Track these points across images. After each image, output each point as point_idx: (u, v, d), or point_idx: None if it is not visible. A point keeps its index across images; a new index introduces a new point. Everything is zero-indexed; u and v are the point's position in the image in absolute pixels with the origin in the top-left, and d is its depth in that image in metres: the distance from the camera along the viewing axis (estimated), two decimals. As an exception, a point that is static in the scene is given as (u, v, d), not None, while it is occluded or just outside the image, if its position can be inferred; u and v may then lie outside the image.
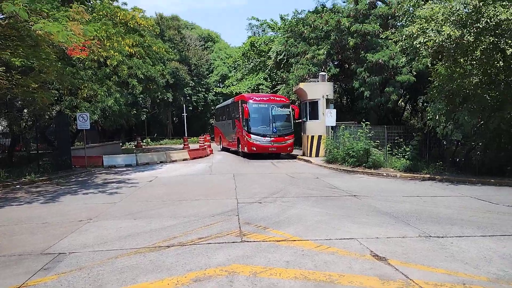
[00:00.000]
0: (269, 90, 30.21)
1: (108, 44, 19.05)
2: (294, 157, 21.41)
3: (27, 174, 14.04)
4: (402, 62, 19.38)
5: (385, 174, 14.15)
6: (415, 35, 11.60)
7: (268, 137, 20.13)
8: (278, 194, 10.33)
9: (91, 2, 20.80)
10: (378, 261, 5.23)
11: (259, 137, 20.12)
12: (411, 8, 13.23)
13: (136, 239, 6.29)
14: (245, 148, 20.80)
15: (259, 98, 21.09)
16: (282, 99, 21.49)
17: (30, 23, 11.26)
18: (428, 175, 13.24)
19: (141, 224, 7.32)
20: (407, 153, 14.71)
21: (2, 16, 11.51)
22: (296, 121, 21.49)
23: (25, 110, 18.14)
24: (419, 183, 12.49)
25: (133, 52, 22.95)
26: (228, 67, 49.06)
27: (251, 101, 20.70)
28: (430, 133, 14.29)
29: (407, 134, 15.66)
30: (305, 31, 23.23)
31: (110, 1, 25.65)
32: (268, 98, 21.35)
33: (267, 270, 4.88)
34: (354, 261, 5.20)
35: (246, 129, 20.52)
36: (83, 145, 19.89)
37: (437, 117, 12.54)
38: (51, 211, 8.67)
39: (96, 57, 17.51)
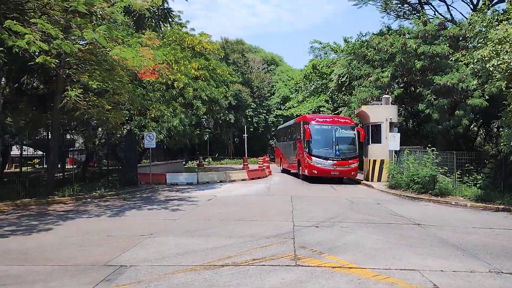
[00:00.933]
0: (330, 112, 29.88)
1: (175, 68, 20.17)
2: (357, 182, 20.78)
3: (97, 189, 15.02)
4: (473, 85, 18.27)
5: (453, 203, 13.24)
6: (487, 58, 10.94)
7: (330, 160, 19.21)
8: (336, 219, 10.06)
9: (162, 29, 22.20)
10: (442, 296, 4.87)
11: (321, 159, 19.29)
12: (483, 29, 12.55)
13: (192, 256, 6.43)
14: (306, 170, 20.04)
15: (322, 119, 20.39)
16: (346, 120, 20.64)
17: (107, 49, 12.25)
18: (503, 206, 12.16)
19: (198, 242, 7.48)
20: (479, 182, 13.67)
21: (83, 43, 12.64)
22: (362, 144, 20.87)
23: (99, 129, 19.56)
24: (492, 213, 11.52)
25: (199, 75, 24.04)
26: (289, 89, 49.41)
27: (313, 122, 19.97)
28: (505, 160, 13.21)
29: (479, 161, 14.61)
30: (369, 53, 22.82)
31: (179, 28, 27.28)
32: (331, 119, 20.66)
33: (321, 297, 4.73)
34: (415, 295, 4.88)
35: (307, 151, 19.79)
36: (149, 162, 20.93)
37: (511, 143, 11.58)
38: (116, 225, 9.17)
39: (164, 80, 18.57)
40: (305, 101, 33.15)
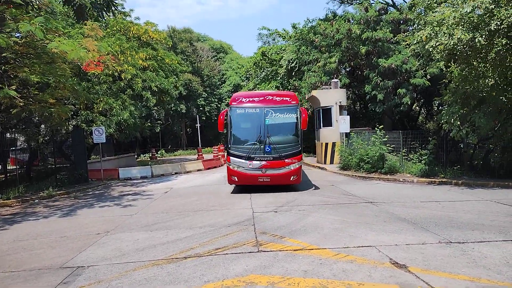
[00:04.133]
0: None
1: (122, 59, 19.41)
2: (311, 165, 21.24)
3: (45, 189, 14.27)
4: (415, 66, 19.22)
5: (401, 180, 13.96)
6: (425, 40, 11.52)
7: (257, 160, 12.18)
8: (293, 202, 10.28)
9: (105, 19, 21.21)
10: (398, 268, 5.15)
11: (242, 160, 12.28)
12: (423, 12, 13.15)
13: (153, 251, 6.32)
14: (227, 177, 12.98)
15: (247, 99, 12.96)
16: (285, 98, 12.94)
17: (46, 41, 11.55)
18: (446, 179, 13.01)
19: (158, 235, 7.35)
20: (424, 158, 14.51)
21: (18, 35, 11.83)
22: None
23: (42, 126, 18.50)
24: (436, 187, 12.28)
25: (147, 65, 23.32)
26: (240, 77, 49.38)
27: (234, 103, 12.87)
28: (446, 136, 14.09)
29: (423, 139, 15.45)
30: (317, 39, 23.27)
31: (123, 17, 26.22)
32: (262, 97, 12.95)
33: (285, 280, 4.84)
34: (373, 269, 5.13)
35: (226, 148, 13.39)
36: (99, 158, 20.15)
37: (452, 120, 12.36)
38: (69, 225, 8.79)
39: (110, 72, 17.82)
40: (256, 88, 33.26)
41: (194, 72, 46.61)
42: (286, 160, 12.27)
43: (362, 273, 5.01)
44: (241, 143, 12.62)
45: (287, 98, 12.93)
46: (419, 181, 13.47)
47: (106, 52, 15.16)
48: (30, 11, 12.50)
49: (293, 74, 27.19)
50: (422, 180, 13.47)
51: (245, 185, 12.94)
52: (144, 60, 22.72)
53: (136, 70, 21.11)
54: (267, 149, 12.20)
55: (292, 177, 12.31)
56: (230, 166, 12.56)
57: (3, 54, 11.61)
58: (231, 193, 12.63)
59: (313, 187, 13.02)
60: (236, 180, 12.51)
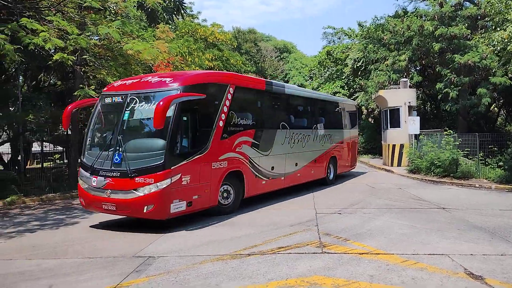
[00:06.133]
0: (346, 97, 29.55)
1: (189, 60, 20.13)
2: (378, 168, 20.51)
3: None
4: (495, 64, 17.73)
5: (477, 186, 12.99)
6: (506, 40, 10.61)
7: (102, 175, 7.80)
8: (358, 205, 9.98)
9: (175, 21, 22.16)
10: (473, 280, 4.79)
11: (88, 174, 8.10)
12: (502, 9, 12.14)
13: (217, 246, 6.46)
14: None
15: (123, 82, 8.96)
16: (164, 79, 8.23)
17: (122, 44, 12.31)
18: (530, 187, 11.89)
19: (221, 231, 7.53)
20: (503, 163, 13.35)
21: (97, 38, 12.71)
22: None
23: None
24: (518, 196, 11.26)
25: (213, 66, 23.98)
26: (303, 77, 49.00)
27: (105, 89, 9.08)
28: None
29: (502, 142, 14.25)
30: (385, 36, 22.35)
31: (191, 19, 27.20)
32: (140, 79, 8.79)
33: (350, 283, 4.70)
34: (446, 279, 4.81)
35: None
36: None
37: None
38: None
39: (179, 72, 18.55)
40: (320, 88, 32.82)
41: (257, 72, 47.11)
42: (137, 178, 7.38)
43: (434, 282, 4.72)
44: (93, 147, 8.64)
45: (167, 79, 8.11)
46: (498, 188, 12.44)
47: (175, 54, 15.83)
48: (108, 16, 13.38)
49: (359, 73, 26.44)
50: (501, 187, 12.42)
51: (311, 181, 13.11)
52: (210, 60, 23.38)
53: (202, 70, 21.80)
54: (116, 159, 7.69)
55: (145, 207, 7.31)
56: (79, 181, 8.41)
57: (84, 57, 12.56)
58: (293, 191, 12.55)
59: (379, 190, 12.53)
60: (84, 203, 8.38)
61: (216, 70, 24.51)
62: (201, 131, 8.27)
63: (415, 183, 14.39)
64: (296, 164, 11.89)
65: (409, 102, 18.89)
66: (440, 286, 4.60)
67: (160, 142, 7.49)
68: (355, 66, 26.07)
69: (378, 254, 5.86)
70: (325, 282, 4.75)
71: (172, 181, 7.39)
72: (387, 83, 21.10)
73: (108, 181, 7.66)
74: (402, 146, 18.91)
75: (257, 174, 10.03)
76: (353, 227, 7.61)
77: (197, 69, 20.55)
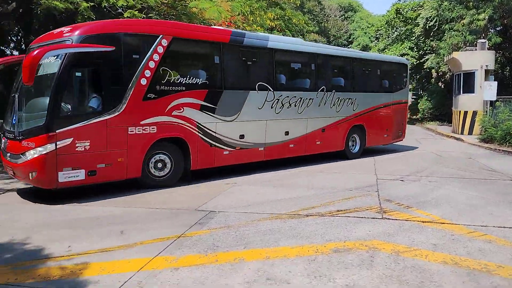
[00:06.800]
0: (415, 60, 27.80)
1: (251, 19, 19.84)
2: (445, 135, 19.38)
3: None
4: None
5: (559, 159, 11.88)
6: None
7: (6, 138, 7.49)
8: (422, 173, 9.56)
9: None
10: (549, 257, 4.45)
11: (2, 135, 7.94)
12: None
13: (276, 205, 6.56)
14: None
15: (42, 36, 7.97)
16: (65, 29, 7.18)
17: (186, 2, 12.42)
18: None
19: (280, 191, 7.62)
20: None
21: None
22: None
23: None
24: None
25: (274, 26, 23.47)
26: (369, 38, 46.59)
27: (28, 48, 8.03)
28: None
29: None
30: (463, -8, 20.47)
31: (254, -23, 26.55)
32: (50, 33, 7.92)
33: (411, 250, 4.59)
34: (517, 254, 4.52)
35: None
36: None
37: None
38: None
39: (241, 32, 18.42)
40: (386, 50, 31.12)
41: (320, 32, 45.50)
42: (23, 141, 6.78)
43: (502, 255, 4.46)
44: (10, 107, 7.70)
45: (68, 29, 7.11)
46: None
47: (237, 13, 15.66)
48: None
49: (431, 34, 24.64)
50: None
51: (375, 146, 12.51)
52: (271, 20, 22.87)
53: (264, 30, 21.45)
54: (13, 120, 7.23)
55: (30, 173, 6.67)
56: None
57: (150, 15, 12.83)
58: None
59: (447, 158, 11.89)
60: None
61: (278, 29, 24.01)
62: (108, 90, 7.06)
63: (487, 153, 13.45)
64: (287, 133, 10.00)
65: (486, 66, 17.38)
66: (509, 260, 4.34)
67: (45, 102, 6.64)
68: (427, 26, 24.29)
69: (443, 223, 5.62)
70: (385, 247, 4.68)
71: (58, 146, 6.48)
72: (461, 44, 19.52)
73: (8, 143, 7.28)
74: (475, 113, 17.62)
75: (213, 143, 8.53)
76: (416, 194, 7.33)
77: (258, 29, 20.27)
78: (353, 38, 49.75)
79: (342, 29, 49.77)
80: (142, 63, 7.33)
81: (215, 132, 8.54)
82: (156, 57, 7.49)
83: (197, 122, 8.21)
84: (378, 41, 37.67)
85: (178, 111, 7.88)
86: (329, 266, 4.12)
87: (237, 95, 9.01)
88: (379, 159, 11.71)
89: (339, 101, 11.18)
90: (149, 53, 7.41)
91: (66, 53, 6.55)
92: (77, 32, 6.83)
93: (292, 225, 5.47)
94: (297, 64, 10.88)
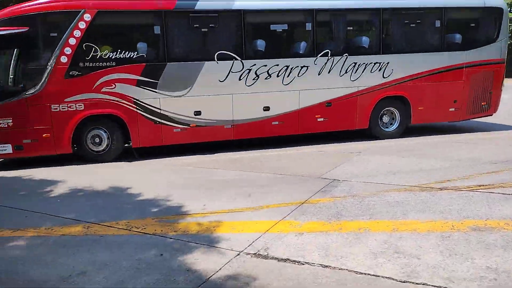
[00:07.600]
0: None
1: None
2: None
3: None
4: None
5: None
6: None
7: None
8: None
9: None
10: None
11: None
12: None
13: (405, 176, 6.18)
14: None
15: None
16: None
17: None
18: None
19: (410, 162, 7.14)
20: None
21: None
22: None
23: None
24: None
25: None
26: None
27: None
28: None
29: None
30: None
31: None
32: None
33: None
34: None
35: None
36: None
37: None
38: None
39: None
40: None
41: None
42: None
43: None
44: None
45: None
46: None
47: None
48: None
49: None
50: None
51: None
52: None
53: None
54: None
55: None
56: None
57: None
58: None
59: None
60: None
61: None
62: (26, 70, 7.44)
63: None
64: (267, 109, 8.67)
65: None
66: None
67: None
68: None
69: None
70: (537, 229, 4.05)
71: None
72: None
73: None
74: None
75: (158, 119, 8.05)
76: None
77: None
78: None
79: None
80: (61, 40, 7.34)
81: (159, 109, 8.08)
82: (77, 33, 7.38)
83: (134, 99, 7.88)
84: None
85: (109, 87, 7.72)
86: (467, 245, 3.74)
87: (187, 68, 8.20)
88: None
89: (356, 66, 8.99)
90: (68, 30, 7.35)
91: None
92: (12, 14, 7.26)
93: (423, 198, 5.09)
94: (280, 25, 9.01)
